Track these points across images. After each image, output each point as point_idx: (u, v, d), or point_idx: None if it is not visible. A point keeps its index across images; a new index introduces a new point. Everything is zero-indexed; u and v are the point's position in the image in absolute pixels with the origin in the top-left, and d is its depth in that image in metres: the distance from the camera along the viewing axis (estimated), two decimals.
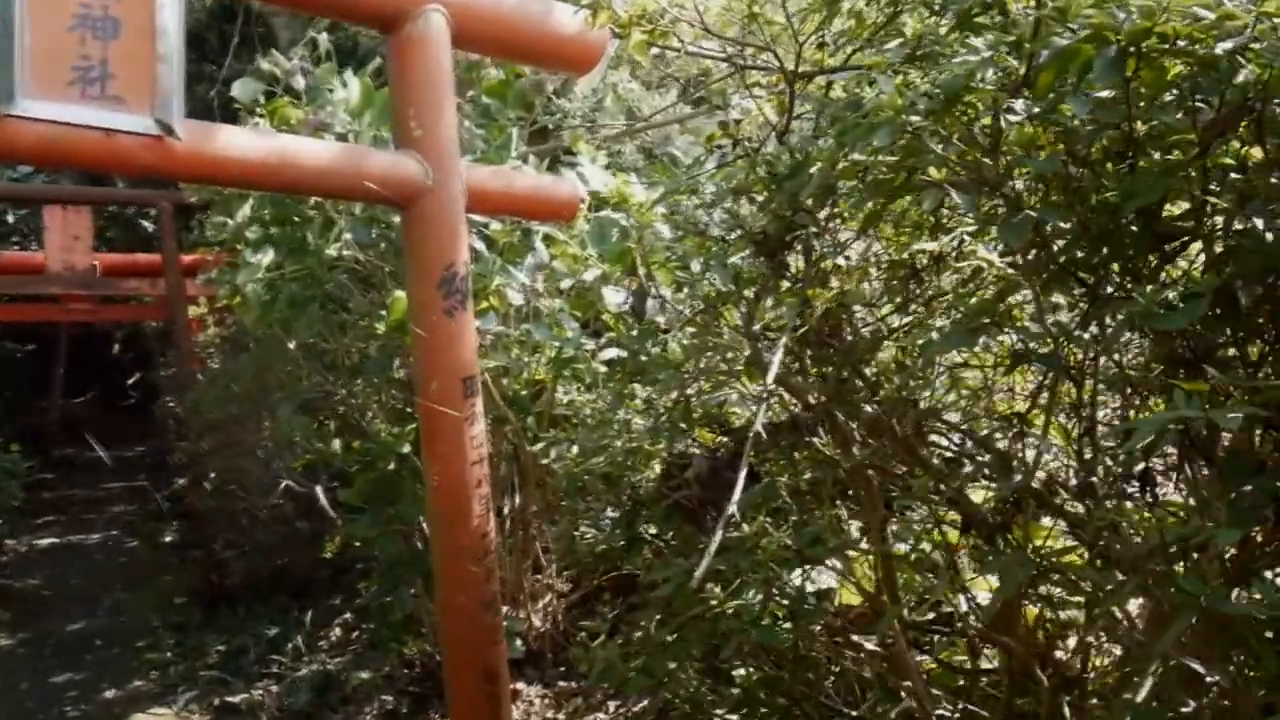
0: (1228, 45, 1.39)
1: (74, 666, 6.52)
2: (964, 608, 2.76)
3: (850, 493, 2.43)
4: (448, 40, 3.50)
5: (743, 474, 2.14)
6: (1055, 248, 1.79)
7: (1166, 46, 1.46)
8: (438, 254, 3.44)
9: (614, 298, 4.52)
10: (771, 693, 2.81)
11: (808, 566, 2.55)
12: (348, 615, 6.78)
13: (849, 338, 2.38)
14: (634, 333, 4.78)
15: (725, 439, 2.79)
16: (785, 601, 2.31)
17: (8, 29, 2.60)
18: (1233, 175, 1.55)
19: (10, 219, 11.93)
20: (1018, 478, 2.01)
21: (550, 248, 4.85)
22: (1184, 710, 1.78)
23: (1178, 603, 1.52)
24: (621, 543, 2.80)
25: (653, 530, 2.74)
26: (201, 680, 6.17)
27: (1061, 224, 1.61)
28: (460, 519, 3.48)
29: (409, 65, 3.45)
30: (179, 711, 5.74)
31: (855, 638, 2.89)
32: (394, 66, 3.48)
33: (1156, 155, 1.62)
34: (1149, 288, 1.50)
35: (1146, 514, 2.33)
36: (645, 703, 5.21)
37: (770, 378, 2.29)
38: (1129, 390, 2.10)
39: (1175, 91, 1.53)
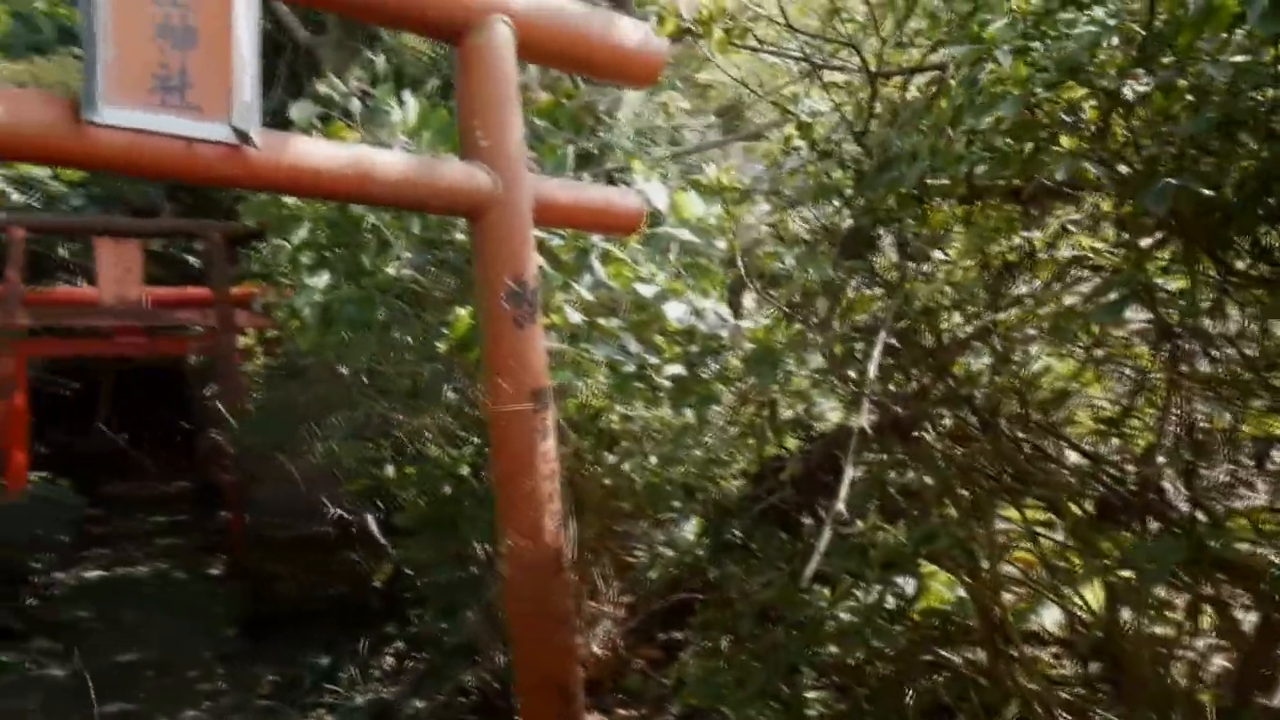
0: None
1: (125, 697, 6.48)
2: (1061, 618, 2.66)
3: (959, 493, 2.35)
4: (513, 51, 3.48)
5: (849, 473, 2.07)
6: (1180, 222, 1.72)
7: None
8: (507, 265, 3.40)
9: (675, 312, 4.46)
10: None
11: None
12: (400, 644, 6.70)
13: (943, 338, 2.31)
14: (693, 347, 4.72)
15: (809, 444, 2.71)
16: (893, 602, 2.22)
17: (91, 39, 2.60)
18: None
19: (61, 254, 12.06)
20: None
21: (606, 265, 4.81)
22: None
23: None
24: (704, 552, 2.72)
25: (739, 536, 2.65)
26: (254, 709, 6.13)
27: (1206, 191, 1.54)
28: (532, 535, 3.41)
29: (475, 76, 3.43)
30: None
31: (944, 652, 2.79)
32: (460, 77, 3.46)
33: None
34: None
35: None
36: None
37: (871, 374, 2.22)
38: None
39: None
